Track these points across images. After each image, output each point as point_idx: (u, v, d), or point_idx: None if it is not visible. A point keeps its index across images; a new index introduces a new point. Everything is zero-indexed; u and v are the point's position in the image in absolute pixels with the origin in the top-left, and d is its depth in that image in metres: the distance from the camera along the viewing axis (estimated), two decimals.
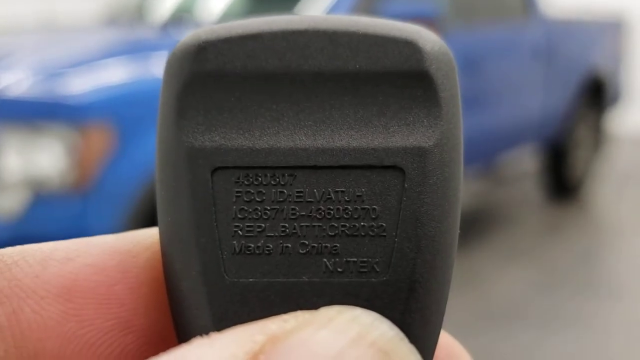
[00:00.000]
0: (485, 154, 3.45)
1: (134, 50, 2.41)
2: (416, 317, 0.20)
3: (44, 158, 1.96)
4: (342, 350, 0.16)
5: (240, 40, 0.21)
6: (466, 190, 3.94)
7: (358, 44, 0.20)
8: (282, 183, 0.20)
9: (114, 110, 2.01)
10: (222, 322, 0.20)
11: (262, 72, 0.21)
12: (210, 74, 0.21)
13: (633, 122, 5.73)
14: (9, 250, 0.19)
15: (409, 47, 0.21)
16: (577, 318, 2.53)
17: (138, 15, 3.14)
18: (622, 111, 4.83)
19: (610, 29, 4.51)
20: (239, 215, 0.20)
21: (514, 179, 4.39)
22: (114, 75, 2.14)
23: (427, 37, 0.21)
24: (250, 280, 0.20)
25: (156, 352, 0.21)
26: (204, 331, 0.19)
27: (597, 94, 4.29)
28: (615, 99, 4.52)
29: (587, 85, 4.15)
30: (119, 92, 2.08)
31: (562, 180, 4.02)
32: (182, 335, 0.20)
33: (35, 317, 0.18)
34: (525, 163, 4.36)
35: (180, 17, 2.91)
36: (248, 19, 0.22)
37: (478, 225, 3.60)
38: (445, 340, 0.24)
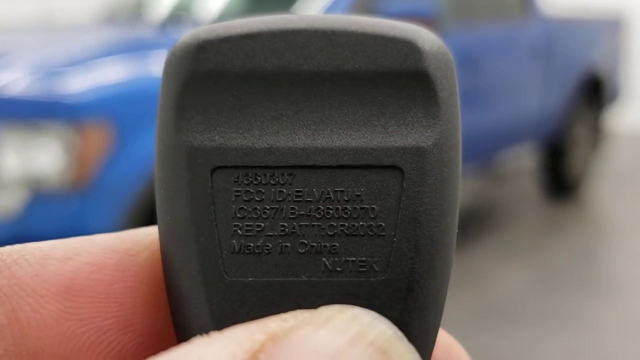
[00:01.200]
0: (484, 152, 3.45)
1: (132, 49, 2.41)
2: (414, 317, 0.20)
3: (43, 157, 1.95)
4: (341, 349, 0.16)
5: (239, 40, 0.21)
6: (464, 188, 3.94)
7: (357, 44, 0.20)
8: (282, 182, 0.20)
9: (112, 109, 2.01)
10: (221, 321, 0.20)
11: (261, 72, 0.20)
12: (209, 74, 0.21)
13: (631, 120, 5.73)
14: (8, 248, 0.19)
15: (407, 46, 0.21)
16: (576, 316, 2.53)
17: (136, 13, 3.14)
18: (621, 109, 4.83)
19: (609, 28, 4.51)
20: (239, 215, 0.20)
21: (512, 177, 4.39)
22: (112, 74, 2.14)
23: (426, 37, 0.21)
24: (250, 279, 0.20)
25: (155, 351, 0.21)
26: (203, 330, 0.19)
27: (595, 92, 4.29)
28: (613, 97, 4.52)
29: (586, 83, 4.15)
30: (117, 91, 2.08)
31: (561, 179, 4.02)
32: (182, 334, 0.20)
33: (34, 315, 0.18)
34: (523, 161, 4.36)
35: (178, 16, 2.90)
36: (247, 18, 0.22)
37: (476, 223, 3.60)
38: (444, 339, 0.24)
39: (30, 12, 4.63)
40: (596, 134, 4.36)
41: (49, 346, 0.18)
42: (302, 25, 0.21)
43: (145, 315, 0.21)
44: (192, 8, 2.99)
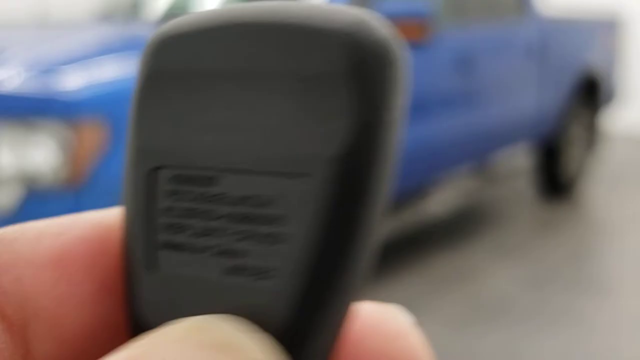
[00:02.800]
0: (479, 152, 3.46)
1: (128, 47, 2.41)
2: (313, 321, 0.19)
3: (37, 154, 1.96)
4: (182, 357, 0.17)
5: (178, 38, 0.21)
6: (459, 187, 3.95)
7: (285, 40, 0.20)
8: (204, 184, 0.21)
9: (108, 107, 2.02)
10: (149, 308, 0.21)
11: (195, 71, 0.21)
12: (157, 73, 0.21)
13: (627, 121, 5.75)
14: (10, 228, 0.22)
15: (338, 41, 0.20)
16: (567, 314, 2.55)
17: (132, 12, 3.14)
18: (616, 110, 4.85)
19: (605, 28, 4.52)
20: (168, 213, 0.21)
21: (507, 177, 4.40)
22: (107, 71, 2.15)
23: (362, 30, 0.20)
24: (175, 274, 0.21)
25: None
26: (140, 320, 0.21)
27: (591, 93, 4.31)
28: (609, 97, 4.54)
29: (581, 83, 4.17)
30: (113, 89, 2.09)
31: (555, 179, 4.04)
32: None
33: (33, 282, 0.21)
34: (518, 161, 4.37)
35: (174, 15, 2.91)
36: (192, 14, 0.22)
37: (471, 222, 3.62)
38: (372, 311, 0.23)
39: (25, 9, 4.63)
40: (591, 135, 4.38)
41: (47, 307, 0.21)
42: (233, 20, 0.21)
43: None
44: (188, 7, 2.99)
